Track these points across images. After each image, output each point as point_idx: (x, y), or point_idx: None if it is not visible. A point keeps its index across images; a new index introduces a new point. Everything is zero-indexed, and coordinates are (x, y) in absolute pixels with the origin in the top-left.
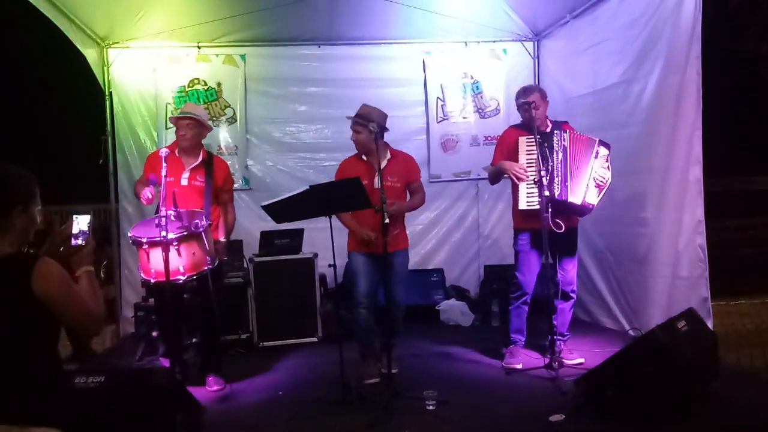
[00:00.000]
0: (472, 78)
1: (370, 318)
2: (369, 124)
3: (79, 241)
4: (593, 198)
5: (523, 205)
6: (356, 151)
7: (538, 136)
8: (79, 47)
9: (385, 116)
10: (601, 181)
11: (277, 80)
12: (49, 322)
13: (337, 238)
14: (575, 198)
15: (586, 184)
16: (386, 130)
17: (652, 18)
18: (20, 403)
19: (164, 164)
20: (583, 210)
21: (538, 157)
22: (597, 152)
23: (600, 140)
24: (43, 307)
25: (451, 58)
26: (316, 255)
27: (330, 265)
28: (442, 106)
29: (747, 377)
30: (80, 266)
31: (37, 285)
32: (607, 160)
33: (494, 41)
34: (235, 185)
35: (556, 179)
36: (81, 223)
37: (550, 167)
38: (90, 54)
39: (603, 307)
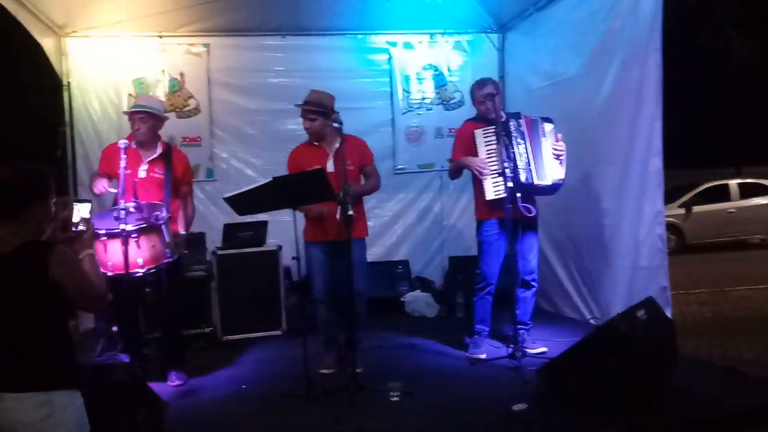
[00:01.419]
0: (437, 70)
1: (330, 312)
2: (323, 110)
3: (81, 227)
4: (559, 173)
5: (491, 195)
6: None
7: (494, 127)
8: (35, 36)
9: (333, 98)
10: (560, 152)
11: (241, 71)
12: (63, 303)
13: (301, 231)
14: (544, 180)
15: (548, 163)
16: (336, 112)
17: (611, 10)
18: (43, 374)
19: (123, 156)
20: (554, 189)
21: (500, 147)
22: (543, 129)
23: (541, 117)
24: (58, 289)
25: (417, 49)
26: (280, 247)
27: (294, 258)
28: (407, 97)
29: (706, 365)
30: (83, 250)
31: (54, 270)
32: (555, 133)
33: (460, 33)
34: (199, 177)
35: (521, 164)
36: (82, 210)
37: (512, 154)
38: (46, 43)
39: (565, 297)
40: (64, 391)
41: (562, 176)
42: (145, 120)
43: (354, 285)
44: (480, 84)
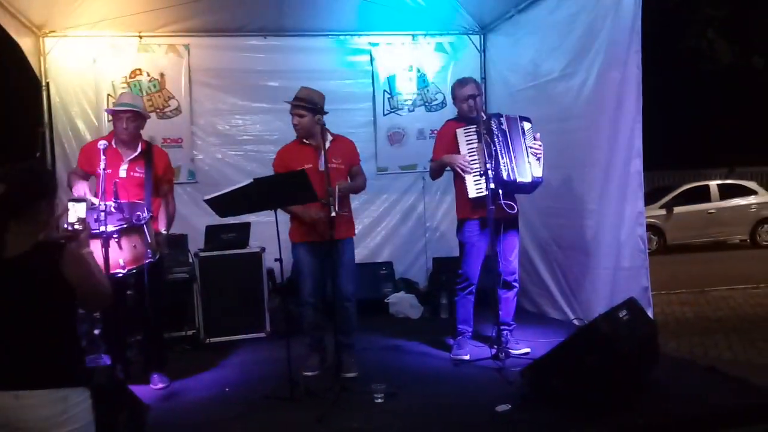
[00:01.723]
0: (419, 71)
1: (318, 315)
2: (313, 107)
3: (77, 226)
4: (538, 171)
5: (473, 193)
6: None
7: (476, 126)
8: (12, 35)
9: (323, 97)
10: (537, 151)
11: (223, 71)
12: (74, 302)
13: (284, 232)
14: (524, 177)
15: (528, 161)
16: (325, 113)
17: (591, 13)
18: (58, 371)
19: (103, 157)
20: (534, 186)
21: (481, 146)
22: (522, 128)
23: (519, 116)
24: (70, 288)
25: (399, 50)
26: (263, 249)
27: (276, 260)
28: (389, 99)
29: (686, 364)
30: (81, 248)
31: (66, 268)
32: (533, 132)
33: (441, 34)
34: (181, 178)
35: (502, 161)
36: (78, 210)
37: (494, 152)
38: (25, 43)
39: (548, 298)
40: (77, 388)
41: (540, 174)
42: (133, 119)
43: (344, 286)
44: (461, 83)
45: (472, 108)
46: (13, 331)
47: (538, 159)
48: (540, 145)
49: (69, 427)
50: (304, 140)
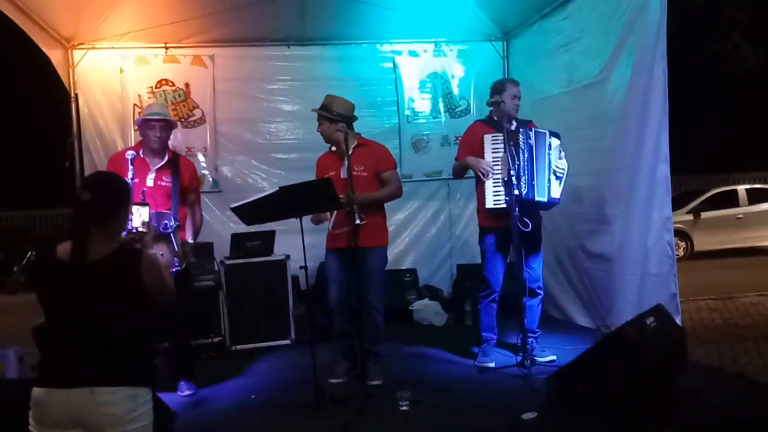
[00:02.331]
0: (442, 78)
1: (345, 322)
2: (330, 115)
3: (141, 229)
4: (557, 192)
5: (489, 204)
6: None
7: (505, 134)
8: (43, 48)
9: (350, 105)
10: (560, 173)
11: (247, 81)
12: (148, 304)
13: (309, 240)
14: (541, 196)
15: (548, 179)
16: (354, 119)
17: (621, 18)
18: (131, 370)
19: (131, 166)
20: (549, 206)
21: (506, 155)
22: (549, 144)
23: (549, 131)
24: (146, 291)
25: (422, 58)
26: (288, 257)
27: (301, 267)
28: (413, 106)
29: (715, 371)
30: (146, 250)
31: (145, 274)
32: (560, 150)
33: (464, 41)
34: (205, 187)
35: (523, 178)
36: (142, 214)
37: (517, 166)
38: (54, 55)
39: (575, 304)
40: (146, 387)
41: (558, 195)
42: (165, 128)
43: (370, 295)
44: (514, 82)
45: (517, 107)
46: (92, 331)
47: (559, 179)
48: (564, 167)
49: (136, 424)
50: (332, 148)
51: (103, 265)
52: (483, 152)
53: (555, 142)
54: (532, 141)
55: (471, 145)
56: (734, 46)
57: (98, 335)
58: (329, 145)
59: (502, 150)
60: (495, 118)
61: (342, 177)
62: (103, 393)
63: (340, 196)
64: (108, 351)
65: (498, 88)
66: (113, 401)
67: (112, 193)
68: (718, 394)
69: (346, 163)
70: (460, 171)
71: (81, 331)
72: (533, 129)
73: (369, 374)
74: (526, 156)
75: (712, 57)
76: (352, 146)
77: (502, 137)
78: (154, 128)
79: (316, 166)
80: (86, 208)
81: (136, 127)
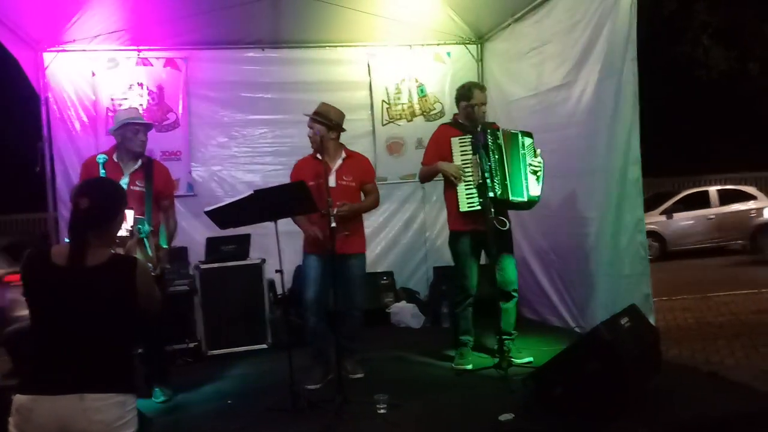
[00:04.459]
0: (417, 81)
1: (320, 323)
2: (328, 123)
3: (124, 234)
4: (536, 189)
5: (464, 207)
6: (311, 151)
7: (472, 137)
8: (11, 51)
9: (343, 115)
10: (536, 169)
11: (221, 84)
12: (135, 310)
13: (284, 243)
14: (518, 196)
15: (525, 177)
16: (342, 129)
17: (591, 21)
18: (120, 377)
19: (102, 171)
20: (530, 204)
21: (475, 157)
22: (522, 143)
23: (521, 131)
24: (137, 299)
25: (396, 61)
26: (263, 261)
27: (277, 271)
28: (387, 109)
29: (689, 371)
30: (130, 254)
31: (138, 281)
32: (534, 148)
33: (438, 44)
34: (180, 191)
35: (496, 179)
36: (127, 218)
37: (488, 167)
38: (24, 57)
39: (549, 306)
40: (132, 395)
41: (539, 192)
42: (144, 131)
43: (350, 299)
44: (482, 88)
45: (484, 114)
46: (83, 337)
47: (537, 176)
48: (540, 162)
49: (124, 431)
50: (318, 155)
51: (99, 271)
52: (452, 155)
53: (528, 140)
54: (501, 141)
55: (439, 149)
56: (705, 50)
57: (89, 341)
58: (313, 149)
59: (471, 152)
60: (460, 121)
61: (330, 186)
62: (93, 400)
63: (337, 203)
64: (98, 357)
65: (465, 95)
66: (103, 408)
67: (111, 200)
68: (691, 393)
69: (334, 172)
70: (428, 176)
71: (71, 337)
72: (500, 129)
73: (349, 369)
74: (497, 157)
75: (683, 61)
76: (341, 157)
77: (469, 139)
78: (139, 132)
79: (293, 169)
80: (84, 215)
81: (112, 132)
